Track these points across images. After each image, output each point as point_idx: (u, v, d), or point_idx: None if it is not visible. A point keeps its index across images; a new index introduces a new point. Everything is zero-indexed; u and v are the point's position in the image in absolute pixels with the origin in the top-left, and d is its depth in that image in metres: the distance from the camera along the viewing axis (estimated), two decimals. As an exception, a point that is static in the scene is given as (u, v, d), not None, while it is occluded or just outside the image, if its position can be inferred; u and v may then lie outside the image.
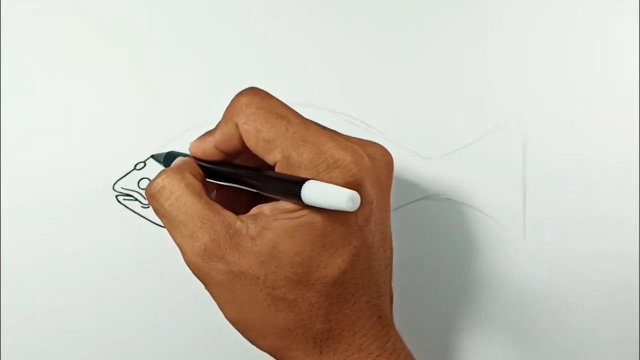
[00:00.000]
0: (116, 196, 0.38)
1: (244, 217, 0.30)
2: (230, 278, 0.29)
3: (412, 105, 0.40)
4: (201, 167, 0.32)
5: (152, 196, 0.31)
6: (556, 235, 0.40)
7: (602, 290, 0.40)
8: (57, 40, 0.38)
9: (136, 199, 0.38)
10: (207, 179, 0.32)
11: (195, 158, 0.33)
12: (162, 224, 0.32)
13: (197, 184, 0.31)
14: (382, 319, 0.31)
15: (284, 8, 0.40)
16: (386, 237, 0.32)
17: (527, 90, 0.40)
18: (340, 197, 0.26)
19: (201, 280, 0.30)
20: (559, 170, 0.40)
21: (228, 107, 0.31)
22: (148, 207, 0.38)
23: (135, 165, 0.38)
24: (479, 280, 0.40)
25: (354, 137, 0.31)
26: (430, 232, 0.40)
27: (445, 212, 0.40)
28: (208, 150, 0.32)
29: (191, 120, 0.38)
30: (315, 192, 0.27)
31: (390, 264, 0.32)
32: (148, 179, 0.38)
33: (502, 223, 0.40)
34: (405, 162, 0.40)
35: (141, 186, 0.38)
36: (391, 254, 0.32)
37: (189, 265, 0.30)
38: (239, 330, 0.31)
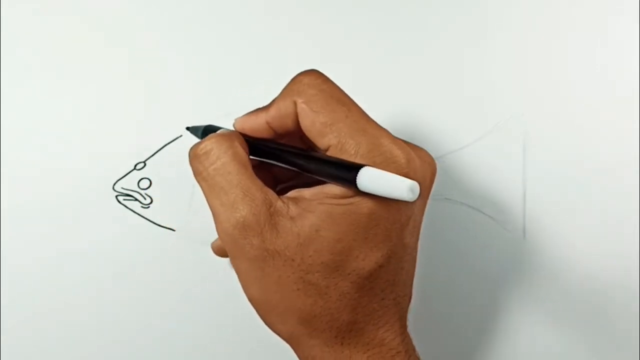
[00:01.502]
0: (116, 196, 0.38)
1: (284, 197, 0.30)
2: (263, 255, 0.29)
3: (412, 106, 0.40)
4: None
5: (196, 157, 0.30)
6: (556, 235, 0.40)
7: (602, 290, 0.40)
8: (57, 40, 0.38)
9: (136, 199, 0.38)
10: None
11: (240, 134, 0.32)
12: (162, 224, 0.32)
13: (245, 156, 0.30)
14: (402, 318, 0.31)
15: (284, 8, 0.40)
16: (417, 241, 0.32)
17: (527, 90, 0.40)
18: (401, 186, 0.26)
19: (231, 254, 0.30)
20: (559, 170, 0.40)
21: (288, 85, 0.30)
22: (148, 207, 0.38)
23: (135, 165, 0.38)
24: (479, 281, 0.40)
25: (404, 140, 0.31)
26: (430, 232, 0.40)
27: (445, 212, 0.40)
28: (258, 125, 0.31)
29: (191, 120, 0.38)
30: (374, 178, 0.27)
31: (415, 267, 0.32)
32: (148, 179, 0.38)
33: (502, 223, 0.40)
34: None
35: (141, 186, 0.38)
36: (416, 256, 0.32)
37: (222, 235, 0.29)
38: (258, 312, 0.30)
